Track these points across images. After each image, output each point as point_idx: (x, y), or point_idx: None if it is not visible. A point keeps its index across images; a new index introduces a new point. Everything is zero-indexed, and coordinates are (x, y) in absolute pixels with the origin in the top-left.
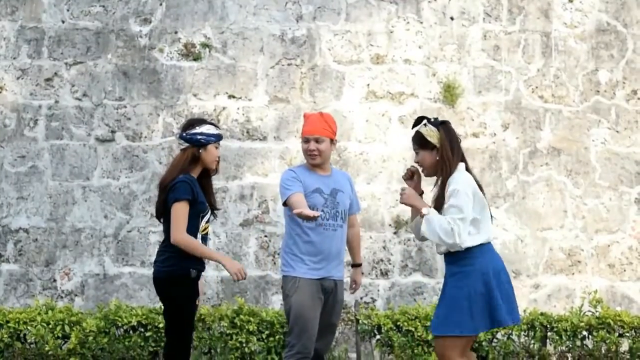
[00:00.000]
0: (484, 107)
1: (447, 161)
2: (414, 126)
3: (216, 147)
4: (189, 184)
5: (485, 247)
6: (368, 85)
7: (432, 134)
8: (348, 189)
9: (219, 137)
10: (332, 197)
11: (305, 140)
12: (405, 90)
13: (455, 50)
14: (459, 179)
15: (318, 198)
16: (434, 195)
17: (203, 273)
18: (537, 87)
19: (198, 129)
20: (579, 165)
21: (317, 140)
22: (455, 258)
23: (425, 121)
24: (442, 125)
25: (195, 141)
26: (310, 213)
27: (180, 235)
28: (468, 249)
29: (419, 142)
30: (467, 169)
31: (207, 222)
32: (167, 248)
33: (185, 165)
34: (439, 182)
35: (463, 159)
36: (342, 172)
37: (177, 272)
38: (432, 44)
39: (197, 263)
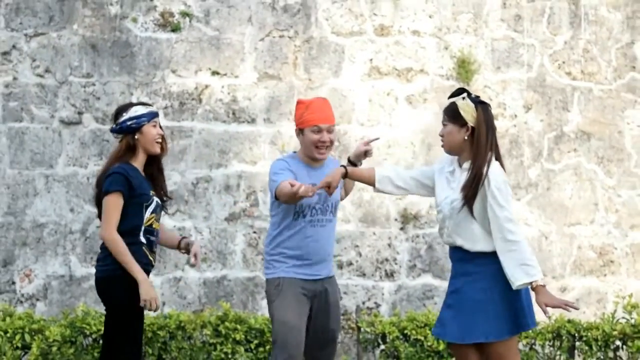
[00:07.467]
0: (504, 85)
1: (479, 146)
2: (451, 96)
3: (154, 126)
4: (122, 174)
5: None
6: (371, 60)
7: (467, 109)
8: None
9: (151, 115)
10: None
11: (317, 130)
12: (413, 65)
13: (470, 20)
14: (497, 173)
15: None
16: (463, 183)
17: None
18: (564, 63)
19: (126, 115)
20: (611, 151)
21: (329, 130)
22: (472, 255)
23: (465, 94)
24: (482, 105)
25: (127, 128)
26: (308, 189)
27: (107, 231)
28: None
29: (451, 113)
30: (498, 158)
31: (153, 212)
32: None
33: (121, 156)
34: (471, 169)
35: (495, 148)
36: (334, 161)
37: (115, 273)
38: (445, 12)
39: (141, 262)
